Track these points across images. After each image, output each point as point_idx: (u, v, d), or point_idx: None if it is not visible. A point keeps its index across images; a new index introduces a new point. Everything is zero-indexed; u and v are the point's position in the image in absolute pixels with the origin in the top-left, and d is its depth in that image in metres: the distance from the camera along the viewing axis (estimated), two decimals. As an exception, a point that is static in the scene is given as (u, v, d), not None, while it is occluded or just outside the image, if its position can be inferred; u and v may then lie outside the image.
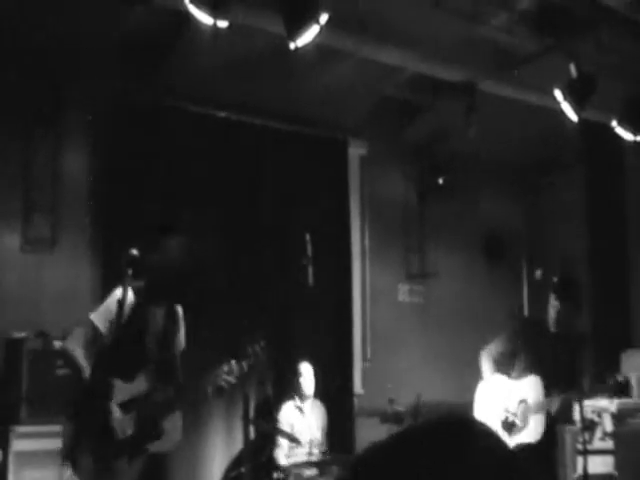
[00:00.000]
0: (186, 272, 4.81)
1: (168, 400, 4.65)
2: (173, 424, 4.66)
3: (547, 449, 5.92)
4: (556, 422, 6.00)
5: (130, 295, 4.66)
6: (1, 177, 6.86)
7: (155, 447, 4.58)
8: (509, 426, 5.92)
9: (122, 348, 4.59)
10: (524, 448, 5.72)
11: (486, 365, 6.19)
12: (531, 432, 5.81)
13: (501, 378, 6.11)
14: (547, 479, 5.89)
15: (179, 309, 4.95)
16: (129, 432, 4.50)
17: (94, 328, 4.58)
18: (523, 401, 5.93)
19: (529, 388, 5.93)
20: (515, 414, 5.92)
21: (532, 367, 6.00)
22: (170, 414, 4.63)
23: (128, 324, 4.60)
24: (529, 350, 6.09)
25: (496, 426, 5.89)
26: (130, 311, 4.63)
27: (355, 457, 1.31)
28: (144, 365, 4.67)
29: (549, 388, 5.86)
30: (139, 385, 4.61)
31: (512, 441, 5.78)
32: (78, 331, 4.67)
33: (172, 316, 4.89)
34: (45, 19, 6.51)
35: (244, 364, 4.74)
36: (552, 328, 6.07)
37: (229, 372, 4.68)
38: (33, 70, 6.89)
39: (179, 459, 7.28)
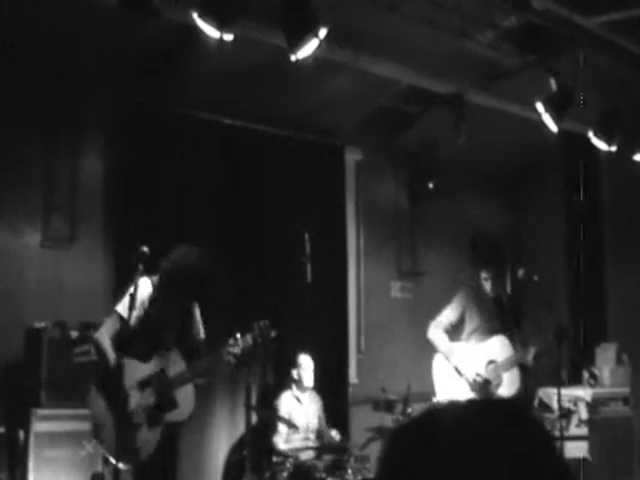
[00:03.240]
0: (196, 277, 4.96)
1: (180, 375, 4.85)
2: (185, 396, 4.91)
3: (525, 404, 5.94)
4: (530, 374, 6.02)
5: (149, 288, 4.87)
6: (23, 180, 6.93)
7: (171, 417, 4.89)
8: (482, 386, 5.87)
9: (140, 334, 4.81)
10: None
11: (441, 338, 6.18)
12: (506, 387, 5.82)
13: (462, 345, 6.12)
14: None
15: (195, 305, 5.18)
16: (149, 404, 4.78)
17: (122, 319, 4.79)
18: (492, 361, 5.91)
19: (495, 348, 5.93)
20: (486, 375, 5.88)
21: (485, 329, 6.02)
22: (181, 387, 4.87)
23: (147, 314, 4.82)
24: (475, 314, 6.13)
25: (465, 391, 5.91)
26: (148, 302, 4.84)
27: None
28: (158, 348, 4.93)
29: (515, 344, 5.88)
30: (154, 365, 4.91)
31: None
32: (107, 322, 4.88)
33: (188, 310, 5.11)
34: (65, 31, 6.57)
35: (249, 337, 4.94)
36: (490, 293, 6.15)
37: (234, 345, 4.84)
38: (53, 79, 6.95)
39: (186, 442, 7.41)
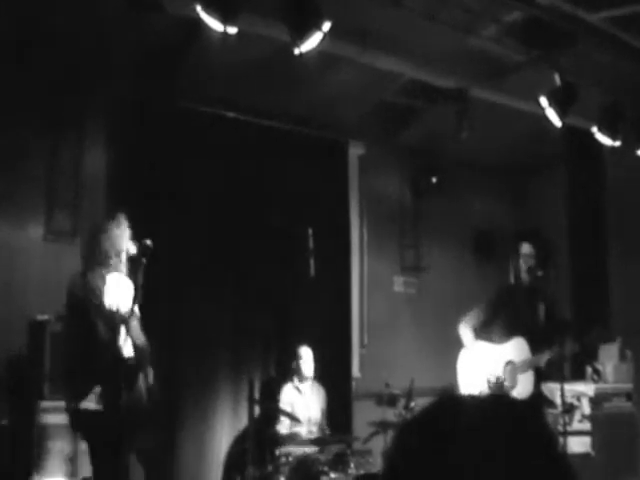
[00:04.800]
0: None
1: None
2: None
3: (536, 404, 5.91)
4: (544, 378, 5.92)
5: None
6: (27, 174, 6.94)
7: None
8: (498, 387, 5.80)
9: None
10: None
11: (467, 334, 6.09)
12: (520, 390, 5.73)
13: (484, 344, 6.04)
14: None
15: None
16: None
17: None
18: (509, 362, 5.83)
19: (514, 349, 5.83)
20: (502, 376, 5.80)
21: (512, 328, 5.91)
22: None
23: None
24: (506, 313, 6.01)
25: (484, 389, 5.85)
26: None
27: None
28: None
29: (535, 346, 5.77)
30: None
31: None
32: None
33: None
34: (69, 29, 6.59)
35: None
36: (524, 278, 5.96)
37: None
38: (57, 75, 6.96)
39: (189, 434, 7.44)
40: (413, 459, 1.12)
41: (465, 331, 6.13)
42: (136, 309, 4.76)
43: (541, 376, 5.83)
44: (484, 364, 5.97)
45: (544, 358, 5.72)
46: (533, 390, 5.76)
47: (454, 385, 6.18)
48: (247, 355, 7.82)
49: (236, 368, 7.78)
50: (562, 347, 5.76)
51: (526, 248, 6.01)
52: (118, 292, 4.74)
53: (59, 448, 6.04)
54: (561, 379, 6.24)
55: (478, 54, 7.33)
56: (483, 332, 6.11)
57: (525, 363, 5.78)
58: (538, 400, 5.93)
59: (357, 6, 6.41)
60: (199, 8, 5.46)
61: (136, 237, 5.04)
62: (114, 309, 4.68)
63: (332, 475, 6.37)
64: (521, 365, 5.79)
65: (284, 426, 7.13)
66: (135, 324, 4.76)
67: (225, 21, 5.45)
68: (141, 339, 4.79)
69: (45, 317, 6.33)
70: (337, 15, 5.83)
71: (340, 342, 8.58)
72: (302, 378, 7.39)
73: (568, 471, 1.12)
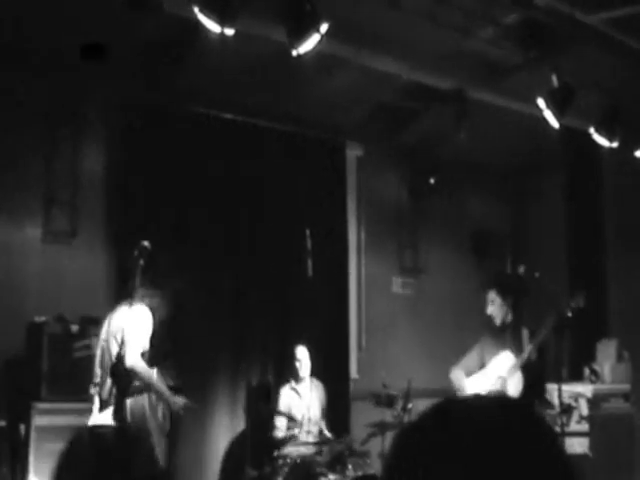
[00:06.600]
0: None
1: None
2: None
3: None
4: (534, 369, 6.06)
5: None
6: (25, 174, 6.92)
7: None
8: None
9: None
10: None
11: (460, 378, 6.29)
12: (510, 390, 5.91)
13: (471, 378, 6.26)
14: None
15: None
16: None
17: None
18: (500, 377, 6.02)
19: (501, 364, 6.04)
20: (494, 390, 5.92)
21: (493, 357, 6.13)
22: None
23: None
24: (492, 355, 6.20)
25: None
26: None
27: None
28: None
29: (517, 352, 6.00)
30: None
31: None
32: None
33: None
34: (67, 29, 6.58)
35: None
36: (495, 324, 6.26)
37: None
38: (57, 75, 6.95)
39: (187, 436, 7.42)
40: (412, 463, 1.11)
41: (459, 376, 6.32)
42: None
43: (532, 370, 5.93)
44: (477, 383, 6.17)
45: (526, 353, 5.93)
46: (523, 389, 5.92)
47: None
48: (245, 358, 7.80)
49: (234, 370, 7.76)
50: (543, 329, 5.99)
51: (492, 295, 6.27)
52: None
53: (56, 450, 6.03)
54: (559, 380, 6.26)
55: (476, 55, 7.34)
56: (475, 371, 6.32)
57: (511, 368, 5.98)
58: (529, 399, 6.02)
59: (355, 7, 6.41)
60: (196, 10, 5.45)
61: (134, 238, 5.04)
62: None
63: (330, 476, 6.37)
64: (508, 372, 5.99)
65: (281, 430, 7.10)
66: None
67: (222, 23, 5.45)
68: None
69: (43, 319, 6.32)
70: (335, 16, 5.83)
71: (338, 343, 8.56)
72: (298, 379, 7.36)
73: (571, 470, 1.12)
